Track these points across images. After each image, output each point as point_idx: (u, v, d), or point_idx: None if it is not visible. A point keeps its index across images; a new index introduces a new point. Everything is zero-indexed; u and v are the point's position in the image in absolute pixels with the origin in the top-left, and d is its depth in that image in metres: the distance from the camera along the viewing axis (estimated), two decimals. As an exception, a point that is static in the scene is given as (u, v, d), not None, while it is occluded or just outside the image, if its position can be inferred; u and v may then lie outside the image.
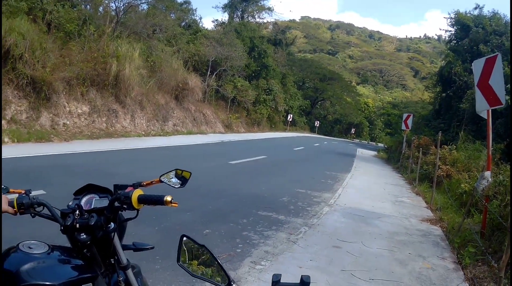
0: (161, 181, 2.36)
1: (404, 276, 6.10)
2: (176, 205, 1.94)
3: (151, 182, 2.31)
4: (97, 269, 2.07)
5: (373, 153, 39.12)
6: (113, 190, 2.22)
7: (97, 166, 11.61)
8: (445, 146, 16.86)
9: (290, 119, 56.20)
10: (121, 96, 21.24)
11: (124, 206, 1.98)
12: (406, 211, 11.47)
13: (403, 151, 23.64)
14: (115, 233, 2.09)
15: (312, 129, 67.31)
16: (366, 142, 70.98)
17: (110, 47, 21.27)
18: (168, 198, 1.92)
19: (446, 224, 9.67)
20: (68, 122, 17.36)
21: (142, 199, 1.95)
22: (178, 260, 1.73)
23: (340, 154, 31.39)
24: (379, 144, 56.33)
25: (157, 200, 1.94)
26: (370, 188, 15.14)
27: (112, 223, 2.04)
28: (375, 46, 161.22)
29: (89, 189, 2.24)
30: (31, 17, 17.86)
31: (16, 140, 13.49)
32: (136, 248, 2.41)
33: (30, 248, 1.83)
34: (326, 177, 16.68)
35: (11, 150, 11.89)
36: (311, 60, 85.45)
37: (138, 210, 1.98)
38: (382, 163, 29.10)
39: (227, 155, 18.27)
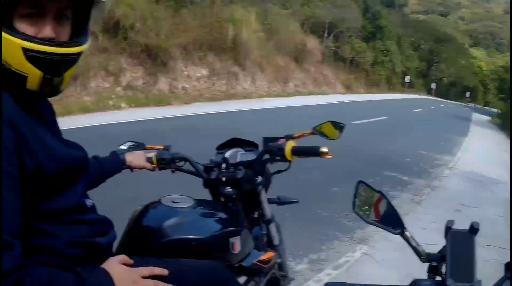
0: (313, 133, 2.09)
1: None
2: (331, 156, 1.77)
3: (303, 134, 2.05)
4: (242, 223, 1.94)
5: (488, 118, 35.60)
6: (263, 143, 2.03)
7: (219, 127, 10.83)
8: None
9: (408, 81, 51.68)
10: (240, 59, 19.98)
11: (276, 158, 1.85)
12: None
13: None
14: (263, 187, 2.01)
15: (429, 92, 62.23)
16: (480, 106, 64.37)
17: (225, 12, 20.14)
18: (324, 149, 1.76)
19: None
20: (187, 86, 16.54)
21: (296, 151, 1.81)
22: (353, 207, 1.28)
23: (456, 117, 28.69)
24: (493, 109, 50.59)
25: (313, 151, 1.79)
26: (487, 154, 14.44)
27: (259, 177, 1.96)
28: (484, 8, 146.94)
29: (233, 143, 2.14)
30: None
31: (133, 105, 12.93)
32: (281, 201, 2.29)
33: (174, 202, 1.72)
34: (445, 140, 15.60)
35: (130, 115, 11.45)
36: (424, 21, 78.85)
37: (290, 162, 1.84)
38: (497, 128, 26.82)
39: (349, 115, 16.54)
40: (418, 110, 28.67)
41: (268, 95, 20.79)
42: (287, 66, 24.99)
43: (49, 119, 1.33)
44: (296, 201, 2.36)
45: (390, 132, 15.08)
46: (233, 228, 1.78)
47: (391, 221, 1.16)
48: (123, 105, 12.53)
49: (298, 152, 1.81)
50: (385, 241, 4.78)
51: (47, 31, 1.14)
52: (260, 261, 1.94)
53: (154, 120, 11.03)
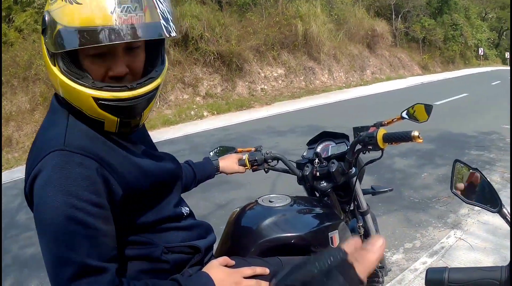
0: (402, 118, 2.08)
1: None
2: (422, 140, 1.67)
3: (392, 120, 2.06)
4: (339, 216, 1.91)
5: None
6: (353, 133, 1.97)
7: (303, 123, 10.39)
8: None
9: (482, 53, 47.54)
10: (314, 53, 19.01)
11: (369, 147, 1.74)
12: None
13: None
14: (357, 178, 1.95)
15: (504, 62, 56.96)
16: None
17: (290, 9, 19.34)
18: (416, 133, 1.64)
19: None
20: (265, 87, 15.96)
21: (387, 138, 1.70)
22: (451, 188, 1.24)
23: None
24: None
25: (404, 137, 1.68)
26: None
27: (353, 168, 1.90)
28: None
29: (323, 136, 2.12)
30: (199, -1, 17.43)
31: (215, 112, 12.60)
32: (375, 191, 2.27)
33: (271, 201, 1.70)
34: None
35: (213, 122, 11.31)
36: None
37: (383, 150, 1.73)
38: None
39: (430, 96, 15.69)
40: (497, 82, 26.35)
41: (347, 86, 19.63)
42: (361, 53, 23.64)
43: (140, 137, 1.32)
44: (391, 190, 2.31)
45: (472, 108, 13.92)
46: (330, 223, 1.73)
47: (489, 199, 1.11)
48: (205, 113, 12.23)
49: (390, 138, 1.68)
50: (478, 224, 4.61)
51: (119, 68, 1.10)
52: None
53: (238, 125, 10.71)
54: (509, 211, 1.04)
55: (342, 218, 1.93)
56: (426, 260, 3.75)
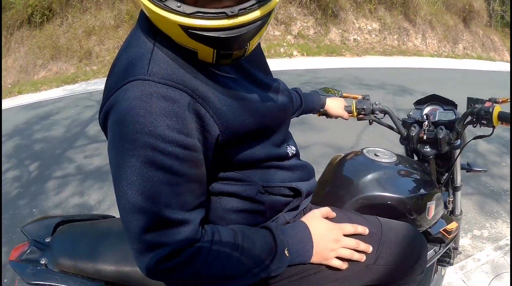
0: None
1: None
2: None
3: (507, 99, 1.82)
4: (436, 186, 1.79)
5: None
6: (467, 104, 1.80)
7: (392, 82, 9.96)
8: None
9: None
10: (411, 15, 18.09)
11: (482, 121, 1.64)
12: None
13: None
14: (461, 151, 1.86)
15: None
16: None
17: None
18: None
19: None
20: (358, 38, 15.29)
21: (502, 116, 1.58)
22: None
23: None
24: None
25: None
26: None
27: (459, 139, 1.79)
28: None
29: (431, 99, 1.98)
30: None
31: (305, 54, 12.27)
32: (471, 168, 2.16)
33: (376, 155, 1.62)
34: None
35: (303, 62, 11.16)
36: None
37: (494, 128, 1.64)
38: None
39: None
40: None
41: (439, 55, 18.76)
42: (456, 26, 22.41)
43: (249, 57, 1.02)
44: (485, 170, 2.25)
45: None
46: (429, 191, 1.62)
47: None
48: (295, 53, 11.93)
49: (505, 118, 1.56)
50: None
51: None
52: (445, 230, 1.81)
53: (327, 70, 10.30)
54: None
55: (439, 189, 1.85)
56: (490, 253, 3.60)
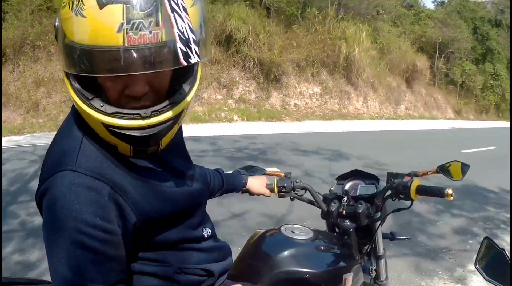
0: (438, 172, 1.97)
1: None
2: (453, 198, 1.61)
3: (427, 172, 1.97)
4: (355, 257, 1.89)
5: None
6: (387, 178, 1.93)
7: (330, 146, 10.30)
8: None
9: None
10: (353, 77, 18.83)
11: (400, 195, 1.72)
12: None
13: None
14: (380, 223, 1.92)
15: None
16: None
17: (336, 29, 19.24)
18: (450, 191, 1.60)
19: None
20: (299, 103, 15.83)
21: (421, 190, 1.67)
22: (476, 263, 1.29)
23: None
24: None
25: (438, 193, 1.63)
26: None
27: (379, 212, 1.84)
28: None
29: (354, 174, 2.07)
30: (248, 2, 17.18)
31: (246, 119, 12.60)
32: (394, 237, 2.19)
33: (293, 232, 1.66)
34: None
35: (242, 128, 11.30)
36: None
37: (413, 201, 1.70)
38: None
39: (459, 143, 16.05)
40: None
41: (380, 117, 19.46)
42: (399, 87, 23.48)
43: (171, 146, 1.12)
44: (409, 238, 2.28)
45: (497, 164, 13.53)
46: (347, 264, 1.69)
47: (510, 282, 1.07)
48: (235, 117, 12.22)
49: (423, 191, 1.66)
50: (483, 283, 4.21)
51: (137, 86, 0.94)
52: None
53: (266, 135, 10.54)
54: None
55: (358, 259, 1.93)
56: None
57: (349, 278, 1.67)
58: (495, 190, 9.04)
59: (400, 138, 14.65)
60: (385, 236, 2.14)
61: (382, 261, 2.09)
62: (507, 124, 39.09)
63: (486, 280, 1.10)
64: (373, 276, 2.09)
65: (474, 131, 24.94)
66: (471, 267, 4.85)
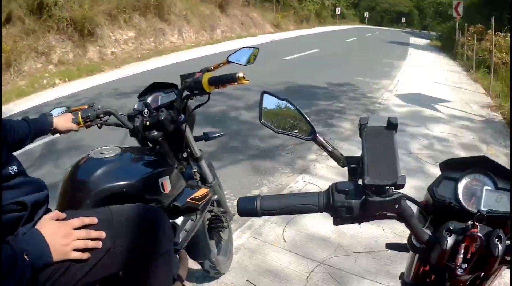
0: (228, 62, 2.05)
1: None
2: (248, 81, 1.78)
3: (219, 64, 2.01)
4: (171, 163, 1.92)
5: (427, 41, 34.43)
6: (180, 81, 1.98)
7: (148, 83, 10.98)
8: (500, 33, 14.26)
9: (339, 13, 50.00)
10: (165, 14, 19.58)
11: (195, 91, 1.82)
12: (466, 97, 10.01)
13: (457, 39, 19.98)
14: (186, 125, 1.95)
15: (362, 21, 60.15)
16: (418, 31, 61.44)
17: None
18: (241, 74, 1.75)
19: (506, 111, 8.26)
20: (116, 50, 16.27)
21: (213, 81, 1.77)
22: (260, 119, 1.20)
23: (393, 43, 28.01)
24: (431, 33, 49.66)
25: (230, 79, 1.77)
26: (427, 74, 13.42)
27: (182, 115, 1.90)
28: None
29: (153, 88, 2.09)
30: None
31: (67, 79, 12.60)
32: (208, 137, 2.28)
33: (102, 153, 1.68)
34: (383, 65, 15.25)
35: (64, 89, 11.27)
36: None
37: (209, 93, 1.81)
38: (437, 50, 25.47)
39: (279, 52, 16.76)
40: (352, 39, 28.05)
41: (197, 45, 20.54)
42: (213, 14, 24.51)
43: None
44: (223, 134, 2.40)
45: (324, 63, 14.63)
46: (161, 169, 1.77)
47: (301, 128, 1.10)
48: (57, 81, 12.22)
49: (216, 81, 1.78)
50: (327, 168, 4.72)
51: None
52: (193, 198, 1.94)
53: (88, 90, 10.80)
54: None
55: (175, 165, 1.95)
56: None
57: (165, 181, 1.74)
58: (324, 86, 10.11)
59: (220, 59, 15.17)
60: (199, 138, 2.21)
61: (203, 163, 2.13)
62: (331, 28, 41.94)
63: (277, 133, 1.08)
64: (198, 178, 2.13)
65: (296, 39, 26.46)
66: (312, 156, 5.21)
